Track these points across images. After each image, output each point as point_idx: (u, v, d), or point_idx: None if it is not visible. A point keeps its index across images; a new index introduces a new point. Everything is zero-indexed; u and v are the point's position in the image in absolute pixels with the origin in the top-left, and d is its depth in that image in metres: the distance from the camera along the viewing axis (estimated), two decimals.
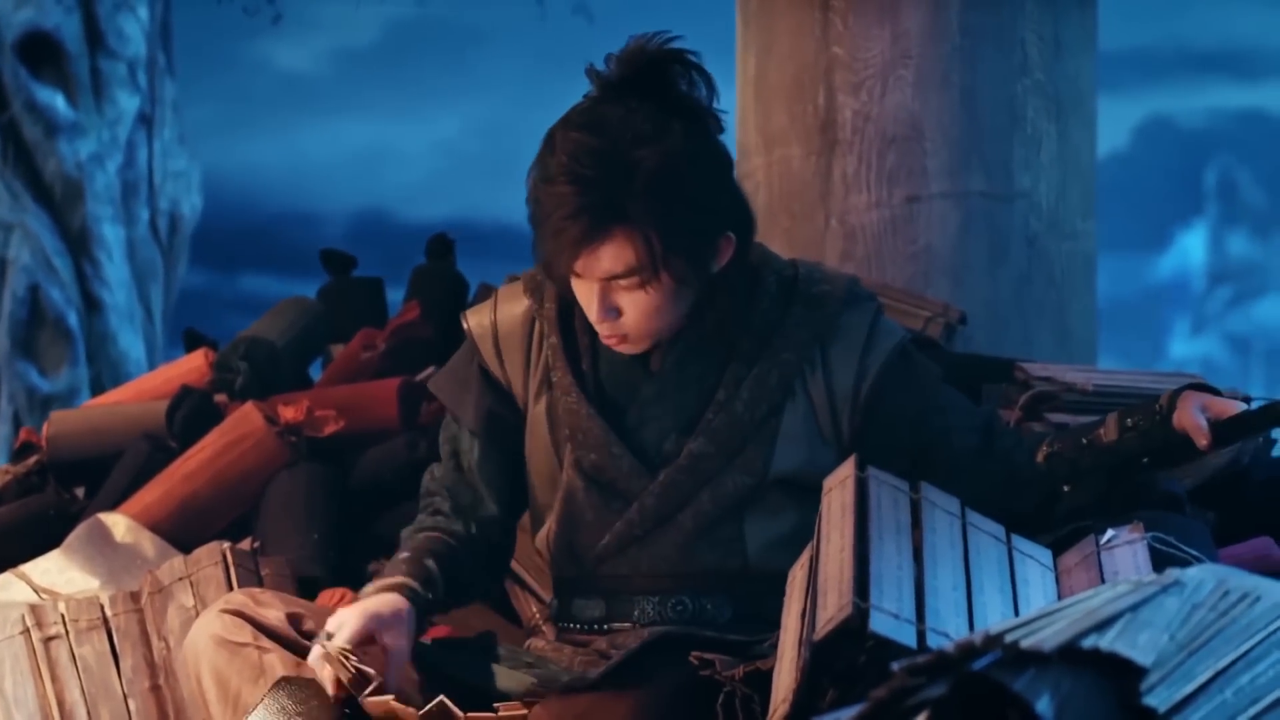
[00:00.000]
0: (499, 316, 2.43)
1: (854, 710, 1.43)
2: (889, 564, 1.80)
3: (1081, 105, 3.63)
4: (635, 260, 2.22)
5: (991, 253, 3.52)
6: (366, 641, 2.18)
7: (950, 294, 3.46)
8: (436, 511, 2.43)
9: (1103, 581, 1.84)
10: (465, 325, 2.45)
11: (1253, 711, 1.46)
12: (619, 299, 2.26)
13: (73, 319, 9.72)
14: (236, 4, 6.94)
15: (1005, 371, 3.04)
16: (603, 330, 2.30)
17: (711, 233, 2.28)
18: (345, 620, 2.18)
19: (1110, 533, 1.98)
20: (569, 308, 2.37)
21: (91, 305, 9.81)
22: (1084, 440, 2.34)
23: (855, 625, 1.72)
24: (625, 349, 2.32)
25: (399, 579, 2.28)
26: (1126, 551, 1.94)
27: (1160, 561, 1.90)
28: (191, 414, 3.31)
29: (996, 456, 2.37)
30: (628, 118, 2.23)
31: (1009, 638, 1.41)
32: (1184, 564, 1.80)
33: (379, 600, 2.24)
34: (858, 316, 2.36)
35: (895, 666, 1.43)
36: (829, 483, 1.99)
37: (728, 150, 2.34)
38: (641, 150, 2.21)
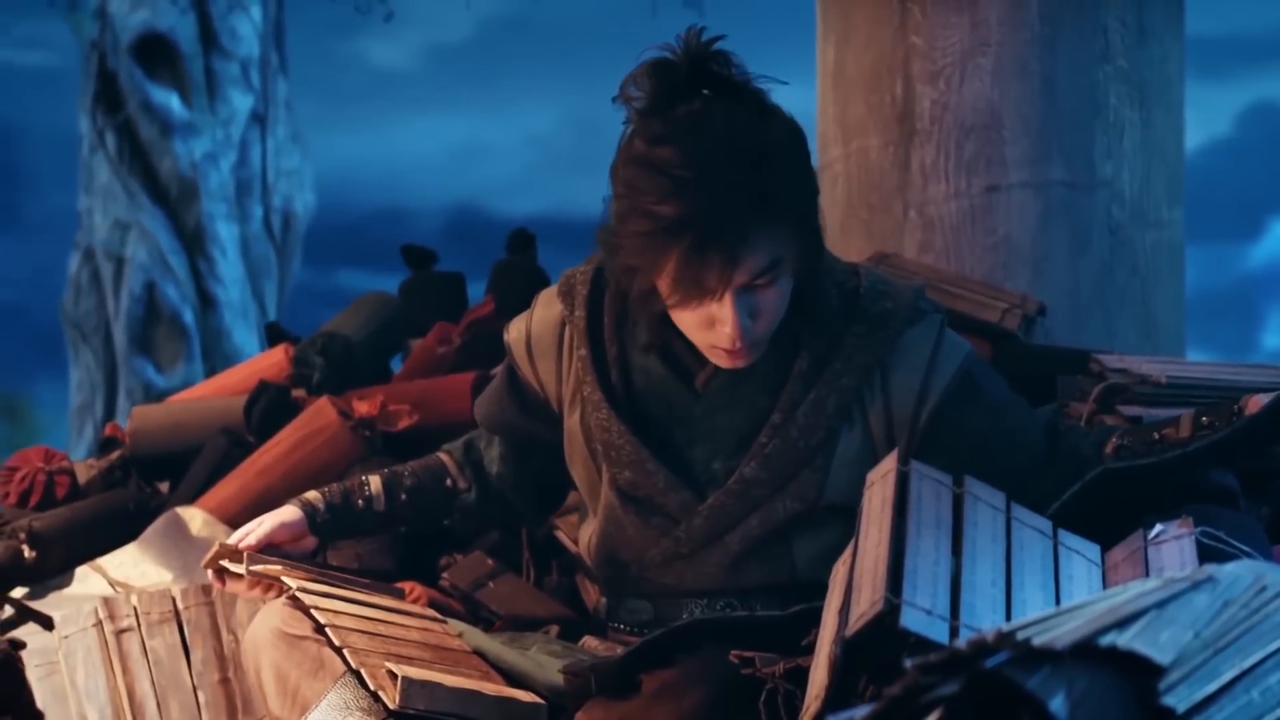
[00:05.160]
0: (533, 321, 2.38)
1: (867, 708, 1.41)
2: (925, 559, 1.76)
3: (1167, 92, 3.56)
4: (774, 253, 2.10)
5: (1073, 243, 3.46)
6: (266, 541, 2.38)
7: (1030, 285, 3.40)
8: (450, 450, 2.56)
9: (1148, 577, 1.79)
10: (505, 335, 2.42)
11: None
12: (756, 302, 2.14)
13: (188, 316, 9.88)
14: (348, 3, 6.96)
15: (1081, 363, 2.98)
16: (735, 345, 2.16)
17: (815, 212, 2.18)
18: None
19: (1158, 527, 1.93)
20: (598, 317, 2.31)
21: (206, 302, 9.96)
22: (1155, 435, 2.28)
23: (887, 621, 1.69)
24: (738, 363, 2.21)
25: (307, 496, 2.45)
26: (1174, 547, 1.89)
27: (1209, 557, 1.85)
28: (268, 409, 3.33)
29: (1061, 459, 2.30)
30: (717, 109, 2.10)
31: (1021, 635, 1.37)
32: (1230, 560, 1.75)
33: (279, 510, 2.42)
34: (921, 335, 2.26)
35: (908, 663, 1.40)
36: (871, 476, 1.95)
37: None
38: (765, 132, 2.09)
